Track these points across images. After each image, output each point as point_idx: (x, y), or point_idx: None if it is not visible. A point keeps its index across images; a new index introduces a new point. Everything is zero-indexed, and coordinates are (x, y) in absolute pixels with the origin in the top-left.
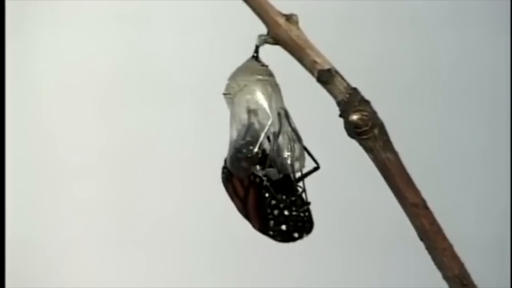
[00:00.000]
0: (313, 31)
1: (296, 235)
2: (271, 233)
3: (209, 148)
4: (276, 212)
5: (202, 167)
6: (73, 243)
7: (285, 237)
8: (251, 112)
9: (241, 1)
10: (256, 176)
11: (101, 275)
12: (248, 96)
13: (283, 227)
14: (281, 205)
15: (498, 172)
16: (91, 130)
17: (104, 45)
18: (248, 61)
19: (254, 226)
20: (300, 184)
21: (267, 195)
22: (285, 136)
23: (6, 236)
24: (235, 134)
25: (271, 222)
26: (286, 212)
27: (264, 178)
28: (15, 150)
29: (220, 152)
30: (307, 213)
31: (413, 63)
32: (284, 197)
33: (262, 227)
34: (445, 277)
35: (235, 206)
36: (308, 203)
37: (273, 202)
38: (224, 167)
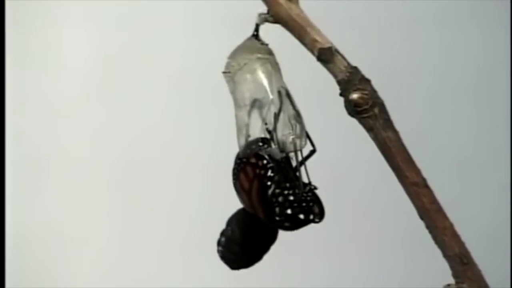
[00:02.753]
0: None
1: (301, 216)
2: (277, 219)
3: (207, 139)
4: (280, 198)
5: (204, 164)
6: (74, 241)
7: (293, 222)
8: (255, 101)
9: None
10: (261, 169)
11: (102, 273)
12: (248, 75)
13: (289, 211)
14: (285, 192)
15: (498, 151)
16: (91, 128)
17: (103, 44)
18: (248, 39)
19: (259, 216)
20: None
21: (269, 183)
22: (286, 115)
23: (6, 235)
24: (240, 115)
25: (277, 209)
26: (291, 198)
27: (269, 167)
28: (15, 149)
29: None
30: (310, 194)
31: (414, 52)
32: (287, 184)
33: (267, 216)
34: (446, 255)
35: (241, 201)
36: (309, 183)
37: (277, 190)
38: (238, 158)
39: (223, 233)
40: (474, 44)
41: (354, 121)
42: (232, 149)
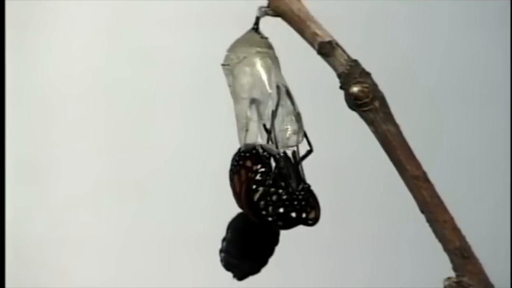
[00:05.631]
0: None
1: (294, 214)
2: (270, 219)
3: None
4: (274, 197)
5: (210, 162)
6: (74, 243)
7: (285, 220)
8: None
9: None
10: (252, 172)
11: (103, 274)
12: (247, 68)
13: (281, 210)
14: (279, 191)
15: (498, 145)
16: (93, 128)
17: (104, 43)
18: (248, 32)
19: (251, 218)
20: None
21: (254, 187)
22: (284, 110)
23: (6, 235)
24: (239, 108)
25: (270, 208)
26: (284, 196)
27: (260, 172)
28: (15, 148)
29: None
30: (303, 192)
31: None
32: (282, 183)
33: (258, 219)
34: (446, 249)
35: (236, 203)
36: (303, 182)
37: (272, 189)
38: (234, 160)
39: (224, 239)
40: (474, 44)
41: (355, 115)
42: (236, 145)
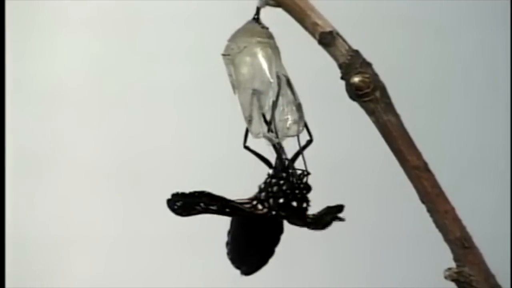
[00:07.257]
0: None
1: (295, 203)
2: (274, 213)
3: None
4: (275, 188)
5: (209, 158)
6: (76, 242)
7: (289, 211)
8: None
9: None
10: None
11: (104, 274)
12: (248, 58)
13: (281, 200)
14: (281, 182)
15: (498, 137)
16: (93, 126)
17: (104, 41)
18: (248, 23)
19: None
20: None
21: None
22: (285, 100)
23: (6, 236)
24: (241, 98)
25: (271, 200)
26: (284, 187)
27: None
28: (16, 148)
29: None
30: (304, 180)
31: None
32: (284, 174)
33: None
34: (447, 239)
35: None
36: (304, 170)
37: (273, 180)
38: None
39: (228, 232)
40: (474, 44)
41: (355, 106)
42: (236, 141)
